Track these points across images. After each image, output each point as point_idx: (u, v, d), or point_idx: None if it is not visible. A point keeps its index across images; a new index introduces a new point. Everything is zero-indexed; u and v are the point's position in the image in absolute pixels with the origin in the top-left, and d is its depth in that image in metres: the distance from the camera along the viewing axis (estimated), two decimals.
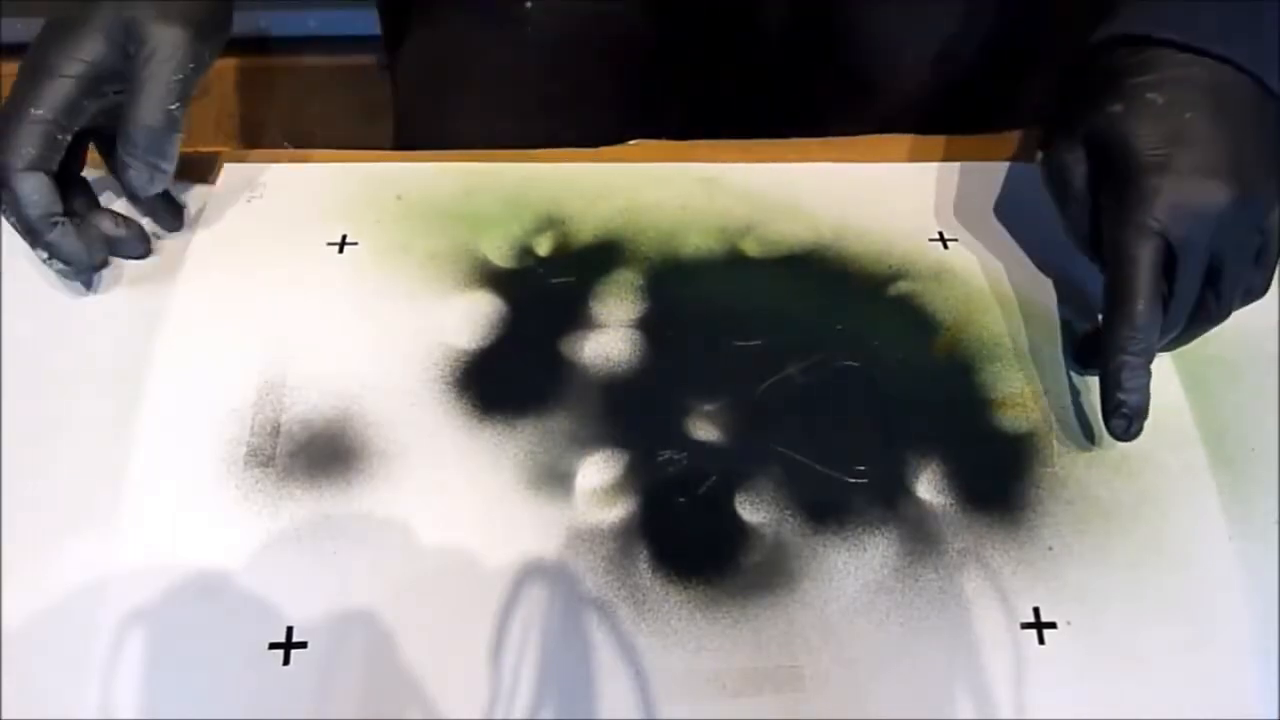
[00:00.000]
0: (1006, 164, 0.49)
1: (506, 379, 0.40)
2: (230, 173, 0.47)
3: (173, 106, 0.40)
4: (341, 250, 0.44)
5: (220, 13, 0.43)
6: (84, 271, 0.42)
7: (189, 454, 0.38)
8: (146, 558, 0.35)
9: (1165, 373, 0.41)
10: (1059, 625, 0.35)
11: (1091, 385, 0.40)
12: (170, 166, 0.41)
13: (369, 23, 0.67)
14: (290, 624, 0.34)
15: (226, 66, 1.11)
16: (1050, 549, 0.37)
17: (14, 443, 0.38)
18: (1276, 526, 0.38)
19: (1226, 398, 0.41)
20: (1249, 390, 0.41)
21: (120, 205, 0.44)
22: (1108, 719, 0.34)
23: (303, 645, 0.34)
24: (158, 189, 0.41)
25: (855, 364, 0.41)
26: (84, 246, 0.41)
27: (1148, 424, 0.38)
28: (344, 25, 1.07)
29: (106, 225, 0.42)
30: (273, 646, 0.34)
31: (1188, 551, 0.37)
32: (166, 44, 0.39)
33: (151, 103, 0.39)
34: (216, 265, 0.43)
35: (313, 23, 1.07)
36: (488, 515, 0.37)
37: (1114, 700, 0.34)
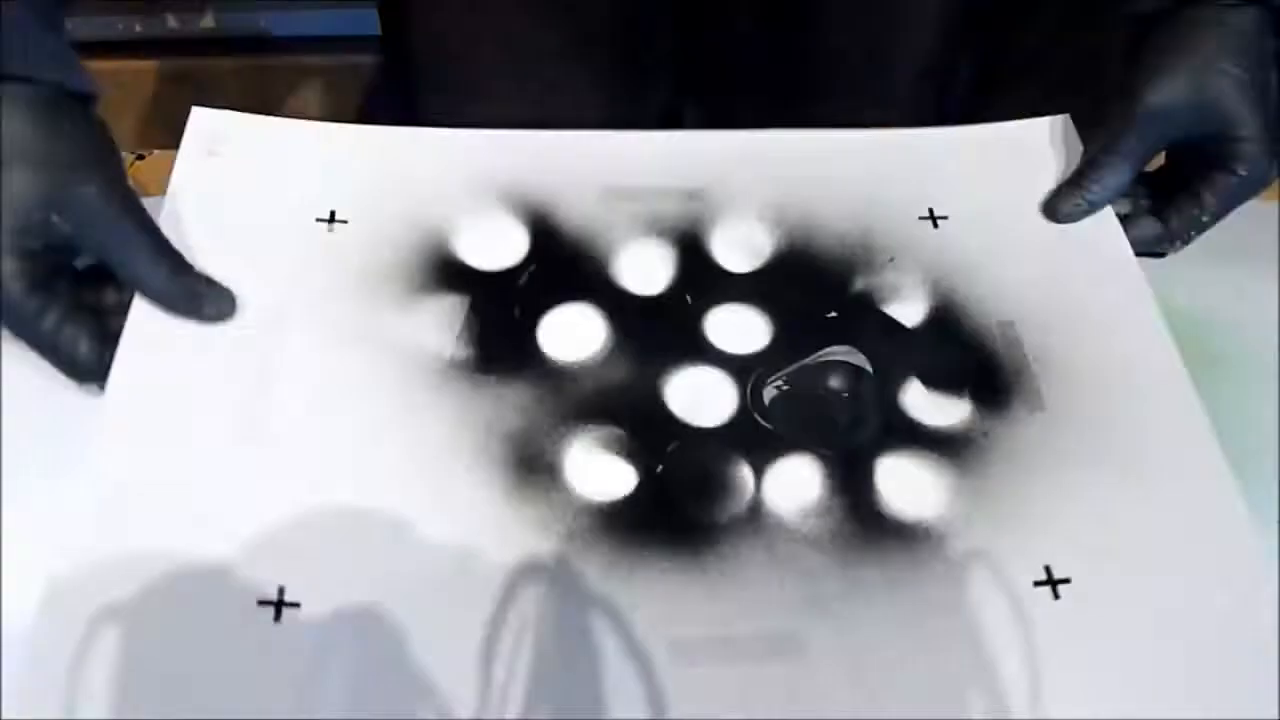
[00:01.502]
0: (995, 142, 0.48)
1: (499, 370, 0.40)
2: (201, 121, 0.45)
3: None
4: (331, 227, 0.43)
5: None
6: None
7: (174, 436, 0.37)
8: (145, 554, 0.35)
9: (1168, 372, 0.41)
10: (1073, 580, 0.35)
11: (1092, 374, 0.41)
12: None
13: (369, 23, 0.68)
14: (283, 584, 0.34)
15: (226, 66, 1.11)
16: (1053, 510, 0.37)
17: (13, 442, 0.38)
18: (1277, 526, 0.38)
19: (1226, 397, 0.41)
20: (1249, 390, 0.41)
21: None
22: (1105, 718, 0.34)
23: (295, 605, 0.33)
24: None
25: (847, 346, 0.41)
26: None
27: (1149, 425, 0.39)
28: (344, 25, 1.08)
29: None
30: (262, 604, 0.33)
31: (1187, 551, 0.37)
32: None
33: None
34: (202, 241, 0.42)
35: (313, 23, 1.08)
36: (481, 501, 0.37)
37: (1115, 700, 0.34)
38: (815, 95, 0.60)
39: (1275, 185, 0.48)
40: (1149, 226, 0.44)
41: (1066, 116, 0.48)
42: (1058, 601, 0.35)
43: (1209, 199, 0.42)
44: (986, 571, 0.36)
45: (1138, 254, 0.44)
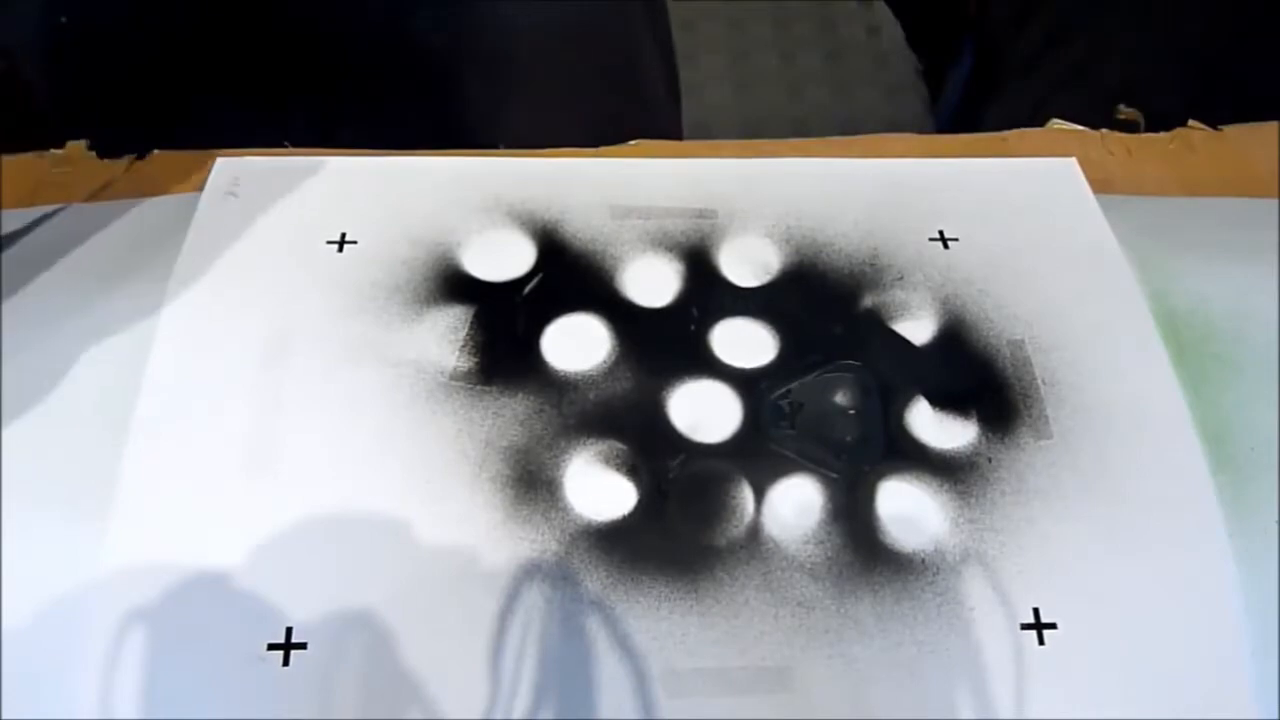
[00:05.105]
0: (1007, 160, 0.49)
1: (502, 383, 0.40)
2: (224, 170, 0.47)
3: None
4: (341, 249, 0.44)
5: None
6: None
7: (186, 455, 0.38)
8: (146, 557, 0.35)
9: (1164, 373, 0.41)
10: (1059, 625, 0.35)
11: (1094, 382, 0.41)
12: None
13: None
14: (290, 625, 0.34)
15: None
16: (1050, 549, 0.37)
17: (13, 442, 0.38)
18: (1276, 526, 0.38)
19: (1226, 398, 0.41)
20: (1249, 390, 0.41)
21: None
22: (1108, 719, 0.34)
23: (302, 646, 0.34)
24: None
25: (854, 364, 0.41)
26: None
27: (1147, 423, 0.39)
28: None
29: None
30: (272, 648, 0.34)
31: (1187, 551, 0.37)
32: None
33: None
34: (213, 264, 0.43)
35: None
36: (486, 516, 0.37)
37: (1114, 701, 0.34)
38: None
39: (1276, 183, 0.48)
40: None
41: (1074, 160, 0.48)
42: (1042, 647, 0.35)
43: None
44: (977, 611, 0.36)
45: None
